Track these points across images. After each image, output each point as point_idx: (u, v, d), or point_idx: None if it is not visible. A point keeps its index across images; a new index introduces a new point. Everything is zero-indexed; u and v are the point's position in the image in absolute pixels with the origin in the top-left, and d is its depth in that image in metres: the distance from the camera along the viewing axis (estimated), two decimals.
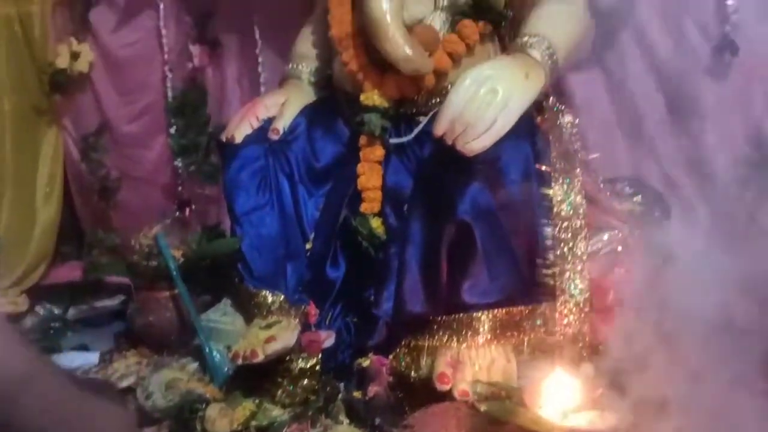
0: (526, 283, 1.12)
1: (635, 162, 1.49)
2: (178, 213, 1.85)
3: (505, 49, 1.24)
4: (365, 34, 1.19)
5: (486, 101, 1.03)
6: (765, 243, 1.39)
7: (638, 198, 1.26)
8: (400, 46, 1.12)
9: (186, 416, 1.11)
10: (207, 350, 1.23)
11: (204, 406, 1.12)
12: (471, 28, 1.19)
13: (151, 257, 1.34)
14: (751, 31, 1.33)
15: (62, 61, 1.82)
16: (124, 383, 1.23)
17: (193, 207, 1.86)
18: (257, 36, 1.71)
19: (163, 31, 1.80)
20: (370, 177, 1.23)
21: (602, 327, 1.13)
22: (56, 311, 1.57)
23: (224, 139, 1.31)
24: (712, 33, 1.36)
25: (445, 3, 1.22)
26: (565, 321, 1.11)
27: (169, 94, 1.83)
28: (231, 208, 1.28)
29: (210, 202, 1.86)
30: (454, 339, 1.10)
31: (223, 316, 1.28)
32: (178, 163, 1.84)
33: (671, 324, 1.28)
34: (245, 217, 1.27)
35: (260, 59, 1.72)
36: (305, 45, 1.42)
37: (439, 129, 1.06)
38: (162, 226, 1.38)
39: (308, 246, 1.29)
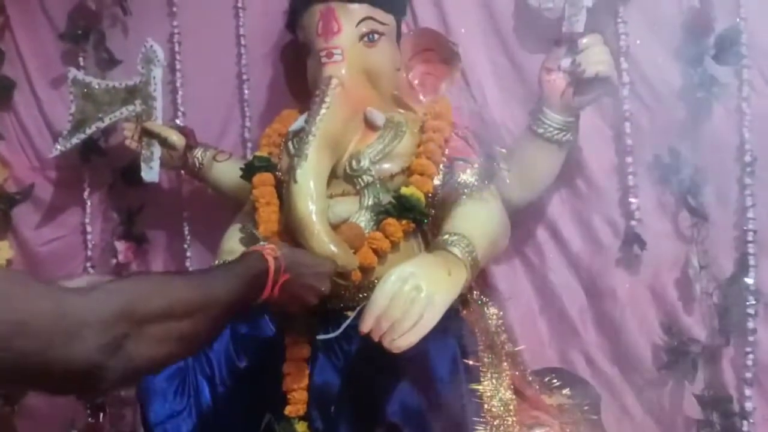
0: None
1: (561, 351, 1.52)
2: (90, 419, 1.72)
3: (428, 244, 1.29)
4: (291, 233, 1.22)
5: (410, 297, 1.05)
6: (686, 427, 1.41)
7: (567, 391, 1.26)
8: (325, 244, 1.15)
9: None
10: None
11: None
12: (395, 226, 1.24)
13: None
14: (654, 225, 1.44)
15: None
16: None
17: (107, 411, 1.74)
18: (186, 231, 1.73)
19: (89, 228, 1.80)
20: (295, 377, 1.20)
21: None
22: None
23: None
24: (619, 228, 1.46)
25: (370, 203, 1.28)
26: None
27: None
28: (144, 416, 1.20)
29: (125, 406, 1.75)
30: None
31: None
32: None
33: None
34: (160, 426, 1.19)
35: (188, 253, 1.72)
36: (232, 241, 1.43)
37: (366, 326, 1.06)
38: None
39: None
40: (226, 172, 1.55)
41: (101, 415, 1.71)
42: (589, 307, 1.50)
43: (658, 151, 1.43)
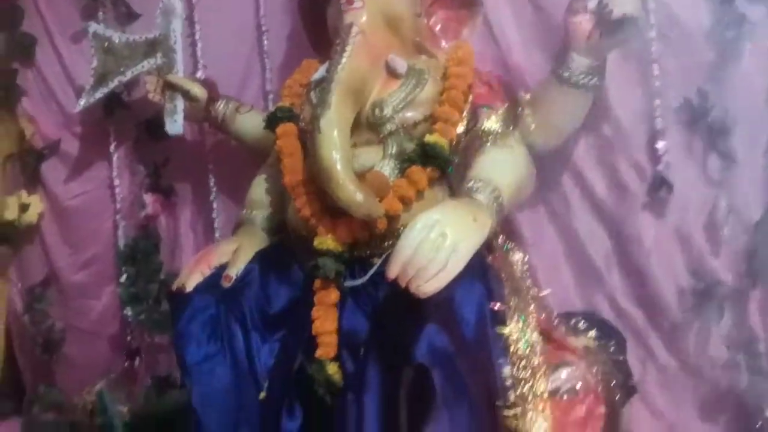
0: (488, 426, 1.09)
1: (585, 297, 1.53)
2: (126, 364, 1.78)
3: (453, 192, 1.29)
4: (317, 182, 1.23)
5: (436, 245, 1.06)
6: (715, 372, 1.42)
7: (593, 333, 1.27)
8: (351, 193, 1.16)
9: None
10: None
11: None
12: (419, 174, 1.24)
13: (95, 415, 1.27)
14: (682, 169, 1.42)
15: (11, 214, 1.82)
16: None
17: (143, 357, 1.80)
18: (212, 183, 1.74)
19: (116, 181, 1.82)
20: (325, 321, 1.22)
21: None
22: None
23: (174, 289, 1.30)
24: (646, 172, 1.44)
25: (394, 151, 1.28)
26: None
27: (120, 242, 1.82)
28: (180, 359, 1.24)
29: (160, 351, 1.79)
30: None
31: None
32: (127, 312, 1.80)
33: None
34: (195, 368, 1.22)
35: (215, 205, 1.74)
36: (259, 192, 1.45)
37: (392, 273, 1.08)
38: (106, 382, 1.32)
39: (262, 395, 1.24)
40: (249, 123, 1.55)
41: (136, 360, 1.77)
42: (614, 252, 1.50)
43: (686, 94, 1.40)
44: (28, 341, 1.88)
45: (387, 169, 1.26)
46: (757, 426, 1.36)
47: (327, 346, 1.21)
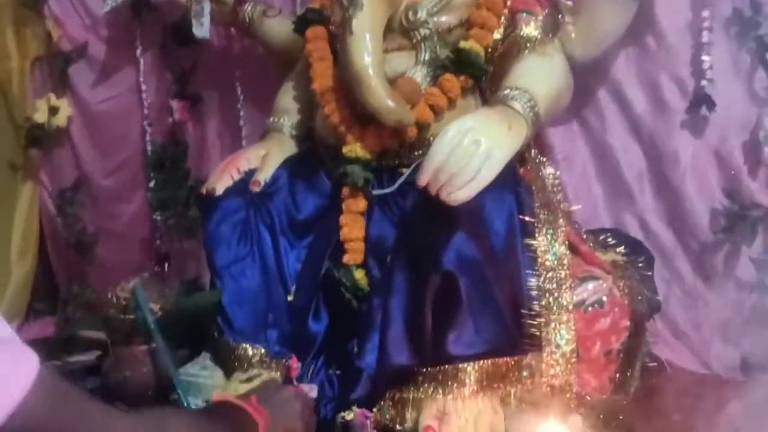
0: (512, 335, 1.10)
1: (615, 214, 1.51)
2: (156, 268, 1.82)
3: (486, 102, 1.26)
4: (347, 88, 1.21)
5: (469, 152, 1.04)
6: (741, 293, 1.42)
7: (621, 248, 1.27)
8: (382, 98, 1.14)
9: None
10: (185, 405, 1.19)
11: None
12: (452, 82, 1.21)
13: (128, 311, 1.30)
14: (726, 86, 1.37)
15: (40, 116, 1.83)
16: None
17: (172, 262, 1.84)
18: (238, 90, 1.72)
19: (143, 87, 1.81)
20: (352, 228, 1.23)
21: (589, 377, 1.12)
22: None
23: (204, 192, 1.30)
24: (688, 88, 1.40)
25: (427, 57, 1.24)
26: (552, 372, 1.09)
27: (148, 148, 1.83)
28: (211, 260, 1.26)
29: (189, 257, 1.83)
30: (440, 391, 1.07)
31: (201, 371, 1.24)
32: (157, 217, 1.83)
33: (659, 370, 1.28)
34: (225, 269, 1.25)
35: (241, 113, 1.73)
36: (287, 99, 1.43)
37: (423, 179, 1.07)
38: (140, 280, 1.35)
39: (290, 298, 1.27)
40: (277, 27, 1.52)
41: (166, 265, 1.81)
42: (648, 171, 1.47)
43: (737, 4, 1.33)
44: (62, 243, 1.93)
45: (419, 75, 1.23)
46: None
47: (354, 252, 1.22)
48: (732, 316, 1.43)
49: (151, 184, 1.82)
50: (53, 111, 1.83)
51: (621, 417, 1.14)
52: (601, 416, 1.12)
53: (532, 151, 1.26)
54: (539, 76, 1.19)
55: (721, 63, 1.37)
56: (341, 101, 1.25)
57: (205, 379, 1.23)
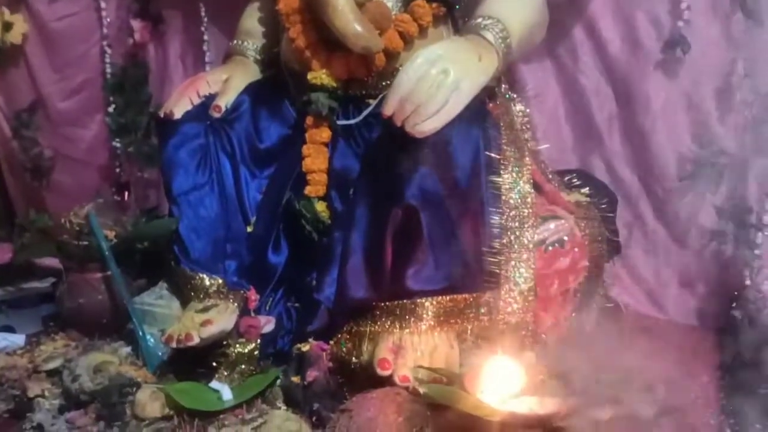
0: (472, 271, 1.10)
1: (582, 156, 1.50)
2: (115, 197, 1.78)
3: (458, 33, 1.22)
4: (314, 10, 1.15)
5: (437, 82, 1.01)
6: (702, 241, 1.43)
7: (586, 190, 1.26)
8: (349, 22, 1.09)
9: (115, 400, 1.04)
10: (140, 334, 1.17)
11: (135, 389, 1.06)
12: (424, 9, 1.16)
13: (82, 236, 1.27)
14: (703, 28, 1.34)
15: None
16: (50, 365, 1.16)
17: (132, 191, 1.80)
18: (202, 12, 1.65)
19: (103, 4, 1.73)
20: (315, 159, 1.19)
21: (545, 316, 1.12)
22: None
23: (162, 115, 1.25)
24: (664, 29, 1.37)
25: None
26: (509, 309, 1.10)
27: (108, 70, 1.75)
28: (168, 187, 1.22)
29: (149, 186, 1.79)
30: (397, 325, 1.07)
31: (158, 300, 1.22)
32: (116, 143, 1.77)
33: (613, 315, 1.30)
34: (183, 197, 1.21)
35: (205, 36, 1.66)
36: (251, 21, 1.37)
37: (389, 108, 1.03)
38: (94, 205, 1.31)
39: (249, 229, 1.24)
40: None
41: (126, 193, 1.77)
42: (618, 113, 1.46)
43: None
44: (18, 167, 1.87)
45: (390, 0, 1.18)
46: (735, 294, 1.38)
47: (316, 184, 1.19)
48: (691, 263, 1.45)
49: (111, 109, 1.75)
50: (7, 27, 1.75)
51: (575, 356, 1.16)
52: (554, 354, 1.13)
53: (503, 86, 1.23)
54: (514, 8, 1.15)
55: (698, 3, 1.34)
56: (307, 24, 1.19)
57: (161, 308, 1.22)
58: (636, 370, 0.99)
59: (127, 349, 1.19)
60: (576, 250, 1.15)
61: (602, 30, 1.42)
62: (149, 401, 1.04)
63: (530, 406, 0.84)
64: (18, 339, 1.29)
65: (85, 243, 1.27)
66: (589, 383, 0.95)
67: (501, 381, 0.86)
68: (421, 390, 0.95)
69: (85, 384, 1.08)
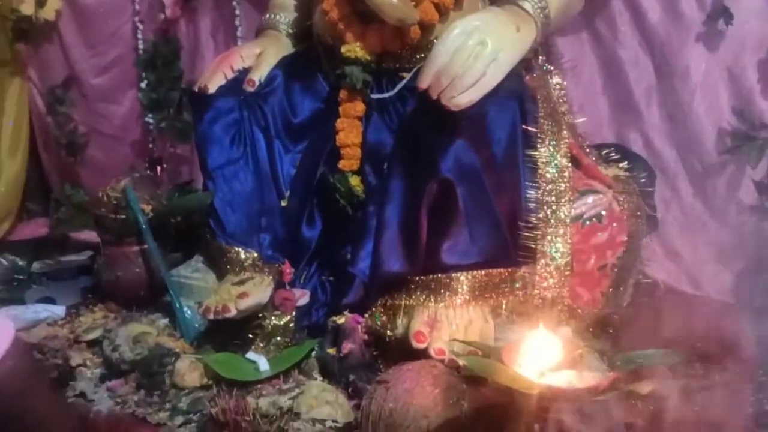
0: (507, 245, 1.09)
1: (619, 130, 1.48)
2: (148, 171, 1.79)
3: (493, 3, 1.19)
4: None
5: (474, 53, 0.99)
6: (745, 216, 1.40)
7: (624, 164, 1.24)
8: None
9: (154, 369, 1.07)
10: (177, 306, 1.19)
11: (173, 359, 1.08)
12: None
13: (119, 210, 1.28)
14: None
15: (27, 8, 1.75)
16: (90, 336, 1.19)
17: (165, 166, 1.81)
18: None
19: None
20: (349, 133, 1.19)
21: (582, 291, 1.11)
22: (20, 263, 1.50)
23: (196, 90, 1.26)
24: (705, 0, 1.33)
25: None
26: (545, 284, 1.09)
27: (140, 46, 1.76)
28: (203, 161, 1.23)
29: (182, 161, 1.81)
30: (432, 299, 1.07)
31: (194, 273, 1.23)
32: (149, 119, 1.78)
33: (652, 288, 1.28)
34: (218, 171, 1.21)
35: (237, 11, 1.65)
36: None
37: (424, 81, 1.02)
38: (131, 180, 1.33)
39: (284, 203, 1.25)
40: None
41: (159, 168, 1.78)
42: (657, 86, 1.42)
43: None
44: (53, 143, 1.89)
45: None
46: None
47: (350, 158, 1.19)
48: (729, 239, 1.42)
49: (143, 85, 1.76)
50: (41, 3, 1.75)
51: (610, 331, 1.15)
52: (591, 329, 1.13)
53: (540, 58, 1.21)
54: None
55: None
56: None
57: (197, 281, 1.23)
58: (674, 344, 0.98)
59: (165, 321, 1.21)
60: (614, 225, 1.13)
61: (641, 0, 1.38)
62: (188, 371, 1.06)
63: (569, 379, 0.84)
64: (58, 310, 1.32)
65: (122, 217, 1.28)
66: (628, 358, 0.95)
67: (539, 355, 0.85)
68: (461, 362, 0.95)
69: (125, 354, 1.10)
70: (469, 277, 1.07)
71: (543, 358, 0.85)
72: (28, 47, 1.82)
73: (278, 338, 1.12)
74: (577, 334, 1.02)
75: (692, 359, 1.04)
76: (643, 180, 1.24)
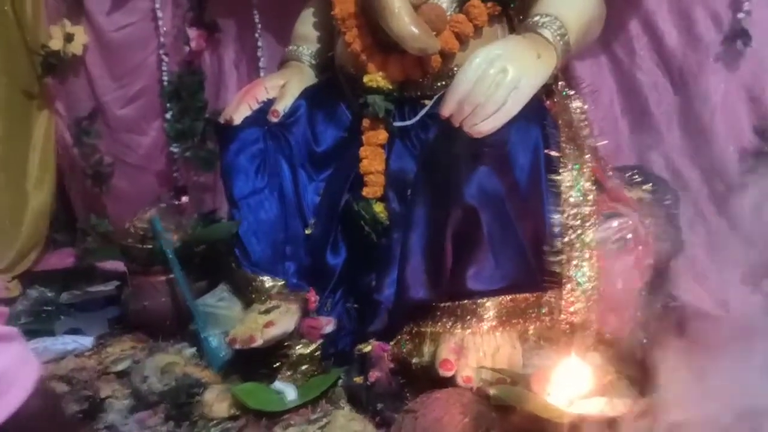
0: (533, 271, 1.09)
1: (640, 151, 1.47)
2: (173, 201, 1.82)
3: (513, 31, 1.21)
4: (369, 14, 1.16)
5: (496, 81, 1.01)
6: (765, 236, 1.38)
7: (648, 186, 1.23)
8: (406, 24, 1.10)
9: (183, 400, 1.08)
10: (203, 335, 1.20)
11: (201, 390, 1.09)
12: (479, 8, 1.16)
13: (146, 240, 1.31)
14: (764, 19, 1.31)
15: (56, 43, 1.79)
16: (119, 367, 1.21)
17: (189, 195, 1.83)
18: (256, 18, 1.67)
19: (159, 14, 1.76)
20: (372, 161, 1.20)
21: (610, 315, 1.11)
22: (49, 294, 1.53)
23: (222, 121, 1.28)
24: (723, 21, 1.34)
25: None
26: (572, 309, 1.08)
27: (165, 78, 1.79)
28: (229, 191, 1.25)
29: (206, 190, 1.82)
30: (458, 325, 1.07)
31: (220, 302, 1.25)
32: (174, 148, 1.81)
33: (679, 312, 1.27)
34: (243, 201, 1.23)
35: (259, 42, 1.68)
36: (306, 26, 1.39)
37: (447, 109, 1.03)
38: (157, 210, 1.35)
39: (308, 231, 1.26)
40: None
41: (183, 197, 1.80)
42: (676, 107, 1.43)
43: None
44: (79, 174, 1.92)
45: (444, 1, 1.18)
46: None
47: (374, 185, 1.20)
48: (754, 259, 1.41)
49: (168, 115, 1.79)
50: (69, 38, 1.80)
51: (640, 356, 1.14)
52: (620, 355, 1.12)
53: (560, 83, 1.21)
54: (571, 4, 1.14)
55: None
56: (363, 28, 1.20)
57: (223, 310, 1.24)
58: (707, 371, 0.97)
59: (191, 350, 1.22)
60: (640, 248, 1.13)
61: (659, 23, 1.39)
62: (216, 401, 1.07)
63: (599, 407, 0.83)
64: (86, 341, 1.33)
65: (149, 247, 1.30)
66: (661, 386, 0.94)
67: (568, 382, 0.85)
68: (491, 391, 0.94)
69: (153, 385, 1.11)
70: (495, 302, 1.08)
71: (573, 385, 0.85)
72: (55, 80, 1.86)
73: (305, 367, 1.13)
74: (606, 360, 1.01)
75: (727, 385, 1.02)
76: (667, 202, 1.23)
